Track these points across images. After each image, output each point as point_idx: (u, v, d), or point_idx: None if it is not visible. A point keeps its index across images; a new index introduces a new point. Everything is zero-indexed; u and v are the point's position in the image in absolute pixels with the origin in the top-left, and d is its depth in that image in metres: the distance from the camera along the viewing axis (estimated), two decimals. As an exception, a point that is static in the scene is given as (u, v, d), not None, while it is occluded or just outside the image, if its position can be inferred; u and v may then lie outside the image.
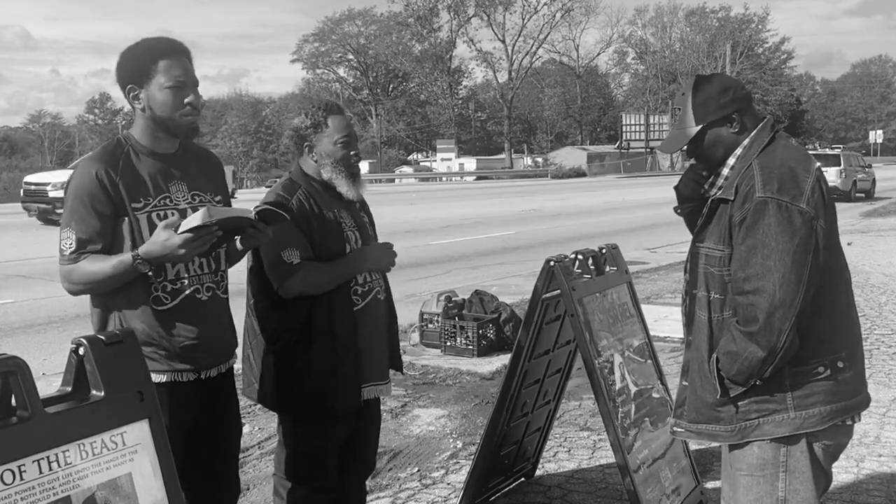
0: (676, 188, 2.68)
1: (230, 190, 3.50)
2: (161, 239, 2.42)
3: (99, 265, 2.49)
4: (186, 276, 2.62)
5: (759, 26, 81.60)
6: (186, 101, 2.59)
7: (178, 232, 2.40)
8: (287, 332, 2.94)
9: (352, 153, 3.02)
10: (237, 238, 2.70)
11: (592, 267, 3.71)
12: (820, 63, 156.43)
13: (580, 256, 3.68)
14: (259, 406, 5.54)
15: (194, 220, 2.40)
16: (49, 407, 1.81)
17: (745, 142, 2.44)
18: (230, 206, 2.84)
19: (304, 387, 2.94)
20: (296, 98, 77.28)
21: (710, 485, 4.10)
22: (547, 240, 16.35)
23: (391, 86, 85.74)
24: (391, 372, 3.22)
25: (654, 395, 3.85)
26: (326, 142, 2.99)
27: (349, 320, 2.95)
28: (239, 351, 2.95)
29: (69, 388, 1.90)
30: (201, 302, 2.64)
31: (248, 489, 4.22)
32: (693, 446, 4.21)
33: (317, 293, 2.91)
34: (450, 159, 72.90)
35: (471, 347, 6.86)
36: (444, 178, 65.67)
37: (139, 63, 2.56)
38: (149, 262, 2.45)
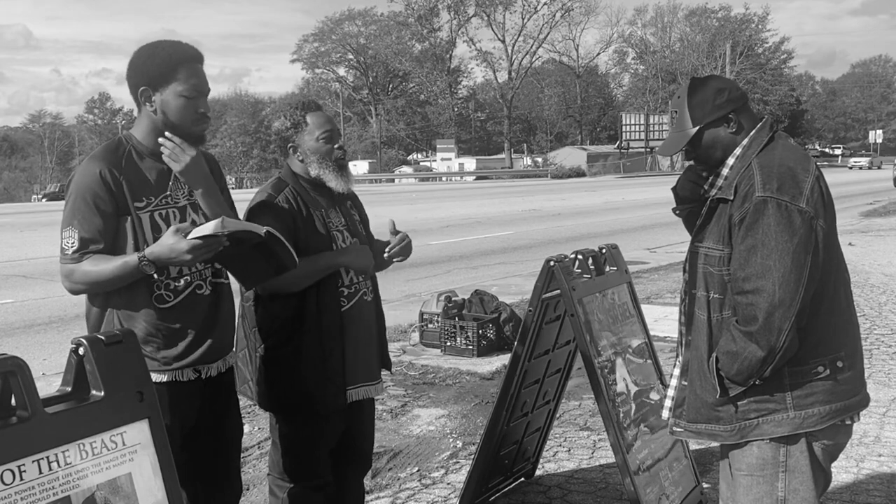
0: (674, 189, 2.68)
1: None
2: (169, 243, 2.42)
3: (102, 265, 2.49)
4: (188, 272, 2.62)
5: (759, 26, 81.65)
6: (200, 110, 2.60)
7: (189, 238, 2.40)
8: (276, 330, 2.95)
9: (336, 146, 3.02)
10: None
11: (592, 267, 3.71)
12: (823, 63, 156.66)
13: (580, 256, 3.68)
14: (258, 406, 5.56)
15: (206, 228, 2.39)
16: (49, 407, 1.81)
17: (745, 142, 2.45)
18: (231, 202, 2.84)
19: (292, 385, 2.95)
20: (296, 98, 77.19)
21: (709, 485, 4.10)
22: (547, 240, 16.36)
23: (391, 86, 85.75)
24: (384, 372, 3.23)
25: (654, 395, 3.86)
26: (309, 139, 3.00)
27: (337, 320, 2.96)
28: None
29: (69, 388, 1.90)
30: (203, 297, 2.65)
31: (248, 489, 4.22)
32: (693, 446, 4.21)
33: (296, 289, 2.89)
34: (450, 159, 72.92)
35: (471, 347, 6.86)
36: (443, 178, 65.69)
37: (158, 67, 2.56)
38: (154, 263, 2.45)
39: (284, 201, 2.94)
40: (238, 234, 2.46)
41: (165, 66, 2.55)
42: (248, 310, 3.04)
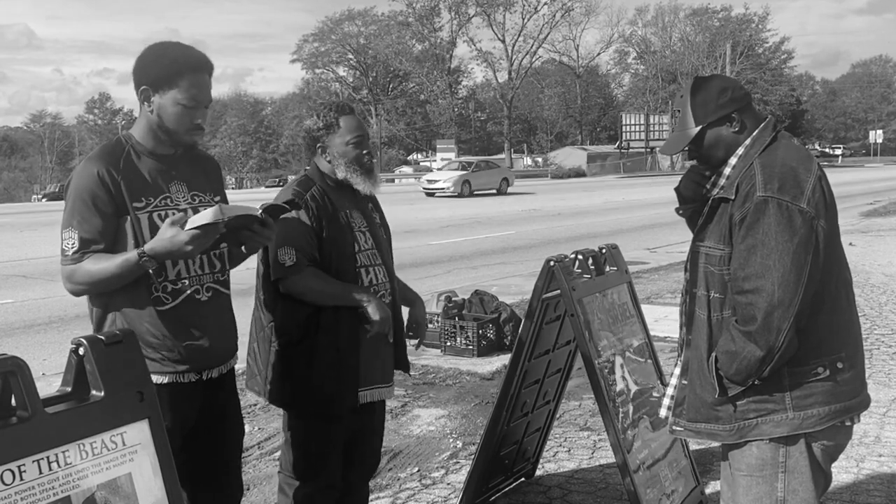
0: (677, 189, 2.68)
1: None
2: (168, 236, 2.41)
3: (103, 264, 2.48)
4: (187, 276, 2.61)
5: (760, 26, 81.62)
6: (196, 121, 2.60)
7: (186, 229, 2.40)
8: (293, 328, 2.97)
9: (364, 152, 3.09)
10: (242, 243, 2.70)
11: (592, 267, 3.71)
12: (827, 62, 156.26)
13: (580, 256, 3.68)
14: (259, 406, 5.55)
15: (204, 217, 2.39)
16: (49, 407, 1.81)
17: (747, 141, 2.44)
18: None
19: (306, 383, 2.97)
20: (295, 98, 77.24)
21: (710, 485, 4.10)
22: (547, 240, 16.36)
23: (391, 86, 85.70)
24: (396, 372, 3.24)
25: (654, 395, 3.85)
26: (339, 142, 3.06)
27: (355, 322, 2.97)
28: (242, 348, 2.95)
29: (69, 388, 1.90)
30: (202, 302, 2.64)
31: (248, 489, 4.23)
32: (693, 446, 4.21)
33: (319, 303, 2.93)
34: (450, 159, 72.79)
35: (471, 347, 6.86)
36: (443, 178, 65.52)
37: (163, 70, 2.54)
38: (154, 258, 2.44)
39: (311, 199, 2.98)
40: (236, 220, 2.47)
41: (169, 70, 2.54)
42: (261, 302, 3.07)
